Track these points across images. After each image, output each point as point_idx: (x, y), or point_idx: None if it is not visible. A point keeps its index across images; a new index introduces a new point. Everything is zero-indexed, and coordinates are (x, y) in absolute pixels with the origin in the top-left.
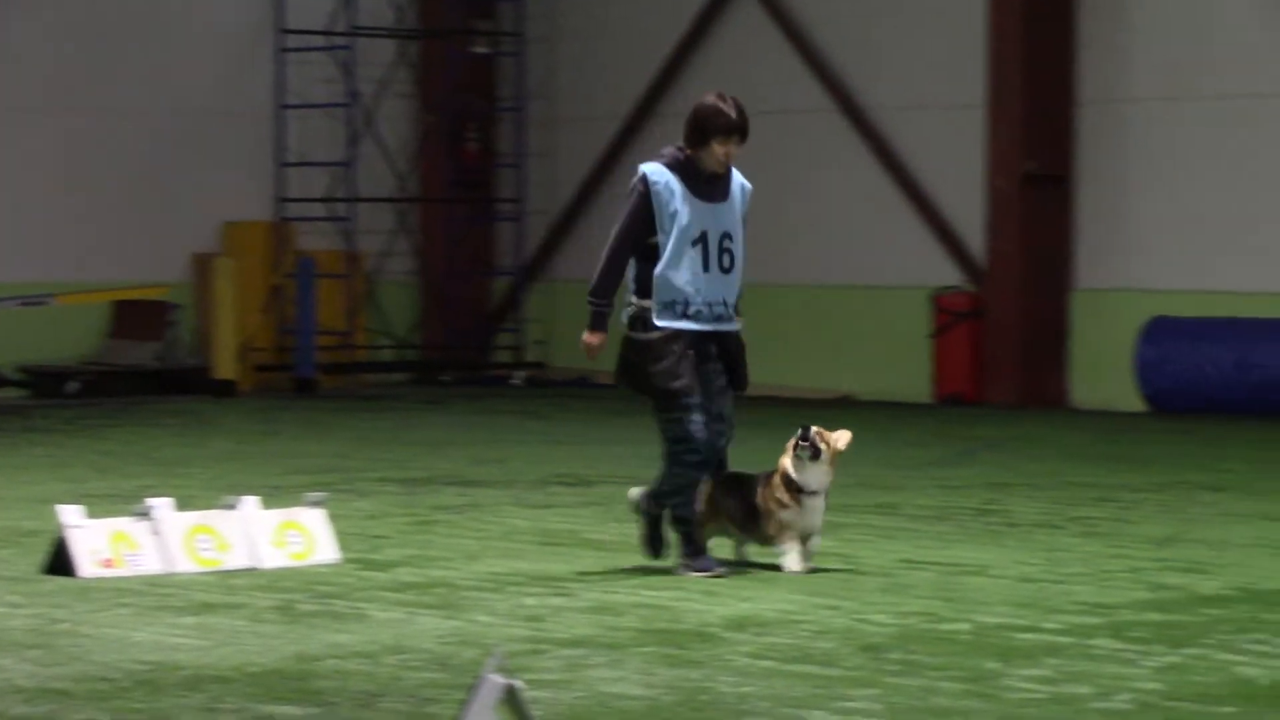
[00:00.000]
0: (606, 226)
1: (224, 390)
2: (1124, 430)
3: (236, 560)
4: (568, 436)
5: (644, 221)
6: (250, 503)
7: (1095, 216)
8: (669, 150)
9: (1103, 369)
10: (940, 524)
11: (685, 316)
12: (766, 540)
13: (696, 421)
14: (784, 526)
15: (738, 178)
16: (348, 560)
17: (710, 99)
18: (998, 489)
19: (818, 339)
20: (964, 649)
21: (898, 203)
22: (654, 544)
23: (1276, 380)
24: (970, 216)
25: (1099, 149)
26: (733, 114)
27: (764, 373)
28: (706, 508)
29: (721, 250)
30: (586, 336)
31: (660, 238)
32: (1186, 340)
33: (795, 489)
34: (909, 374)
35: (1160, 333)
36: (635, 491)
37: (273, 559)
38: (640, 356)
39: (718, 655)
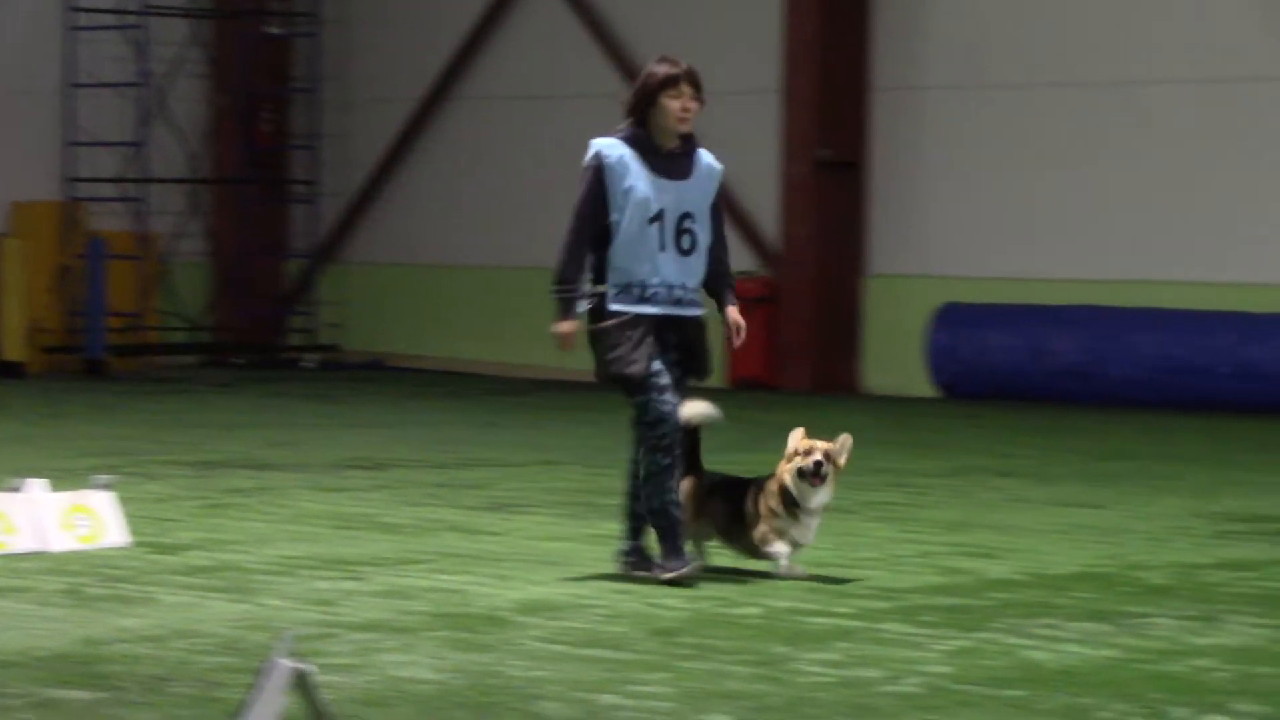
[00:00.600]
0: (402, 209)
1: (12, 372)
2: (916, 416)
3: (23, 544)
4: (361, 420)
5: (599, 200)
6: (37, 485)
7: (888, 203)
8: (624, 127)
9: (895, 355)
10: None
11: (643, 300)
12: (750, 549)
13: (668, 401)
14: (776, 534)
15: (706, 157)
16: (137, 544)
17: (650, 63)
18: None
19: None
20: (755, 633)
21: None
22: (646, 560)
23: (1068, 367)
24: (764, 202)
25: (893, 135)
26: (676, 64)
27: (556, 356)
28: (689, 509)
29: (680, 230)
30: (556, 326)
31: (614, 216)
32: (978, 327)
33: (794, 505)
34: None
35: (952, 319)
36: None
37: (60, 542)
38: (600, 345)
39: (509, 639)
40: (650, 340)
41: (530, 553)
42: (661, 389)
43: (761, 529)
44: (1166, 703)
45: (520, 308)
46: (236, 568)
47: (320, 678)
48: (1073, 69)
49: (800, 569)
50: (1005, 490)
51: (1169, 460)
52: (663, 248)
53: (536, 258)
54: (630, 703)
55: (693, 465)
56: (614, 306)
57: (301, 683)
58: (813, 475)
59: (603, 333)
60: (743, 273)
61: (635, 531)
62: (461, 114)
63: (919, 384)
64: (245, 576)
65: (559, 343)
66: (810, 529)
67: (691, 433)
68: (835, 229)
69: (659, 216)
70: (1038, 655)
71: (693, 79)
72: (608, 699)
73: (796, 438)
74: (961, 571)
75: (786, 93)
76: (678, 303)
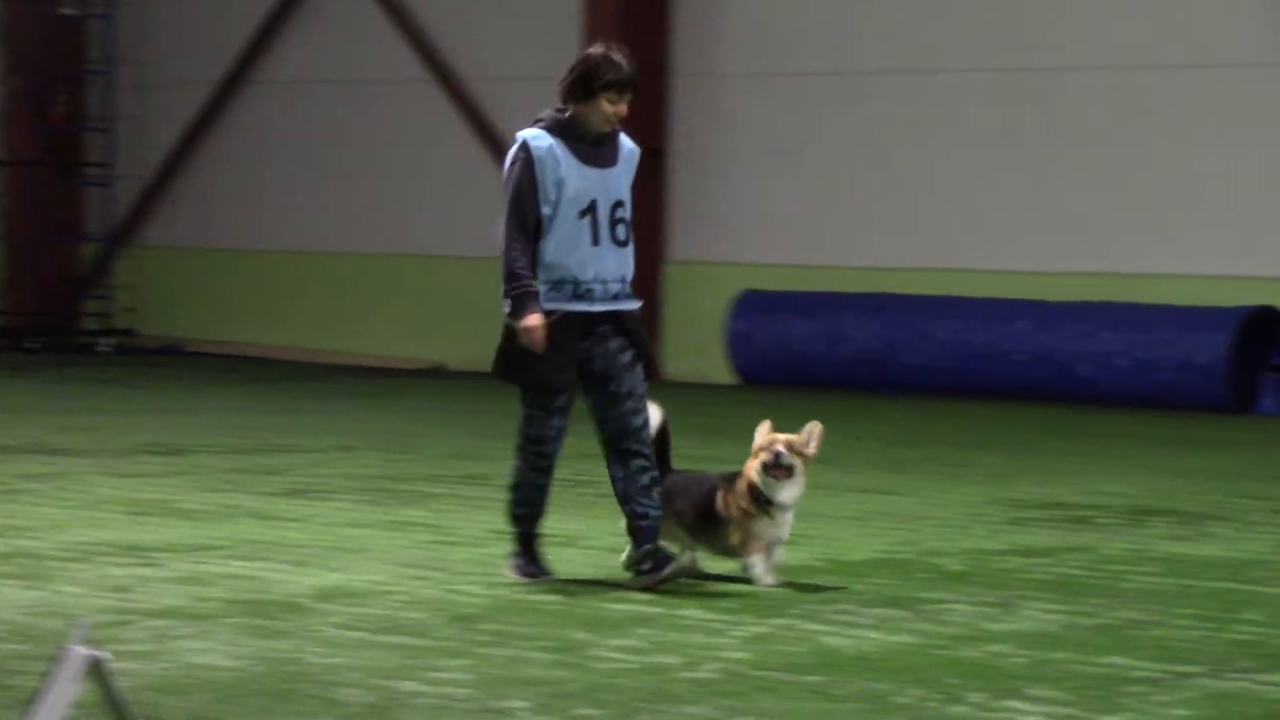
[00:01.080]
0: (199, 192)
1: None
2: (714, 402)
3: None
4: (157, 405)
5: (531, 192)
6: None
7: (688, 190)
8: (548, 113)
9: (694, 341)
10: None
11: (577, 297)
12: (723, 550)
13: (555, 426)
14: (751, 536)
15: (626, 141)
16: None
17: (597, 50)
18: (589, 460)
19: (409, 309)
20: (554, 619)
21: (493, 174)
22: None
23: (865, 354)
24: None
25: (693, 123)
26: (624, 67)
27: (355, 342)
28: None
29: (614, 221)
30: (524, 322)
31: (545, 210)
32: (777, 313)
33: (765, 502)
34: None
35: (751, 306)
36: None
37: None
38: (515, 344)
39: (307, 626)
40: (572, 350)
41: (329, 539)
42: (561, 411)
43: (738, 536)
44: (962, 688)
45: (317, 293)
46: (30, 554)
47: (115, 665)
48: (871, 58)
49: (773, 579)
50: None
51: (964, 447)
52: (596, 241)
53: (334, 244)
54: (429, 689)
55: (662, 466)
56: (548, 305)
57: (96, 670)
58: (775, 468)
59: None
60: None
61: (523, 539)
62: (260, 98)
63: (718, 370)
64: (39, 563)
65: (531, 338)
66: (786, 525)
67: (661, 433)
68: (636, 215)
69: (591, 209)
70: (835, 641)
71: (636, 87)
72: (407, 685)
73: (762, 432)
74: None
75: None
76: (615, 298)
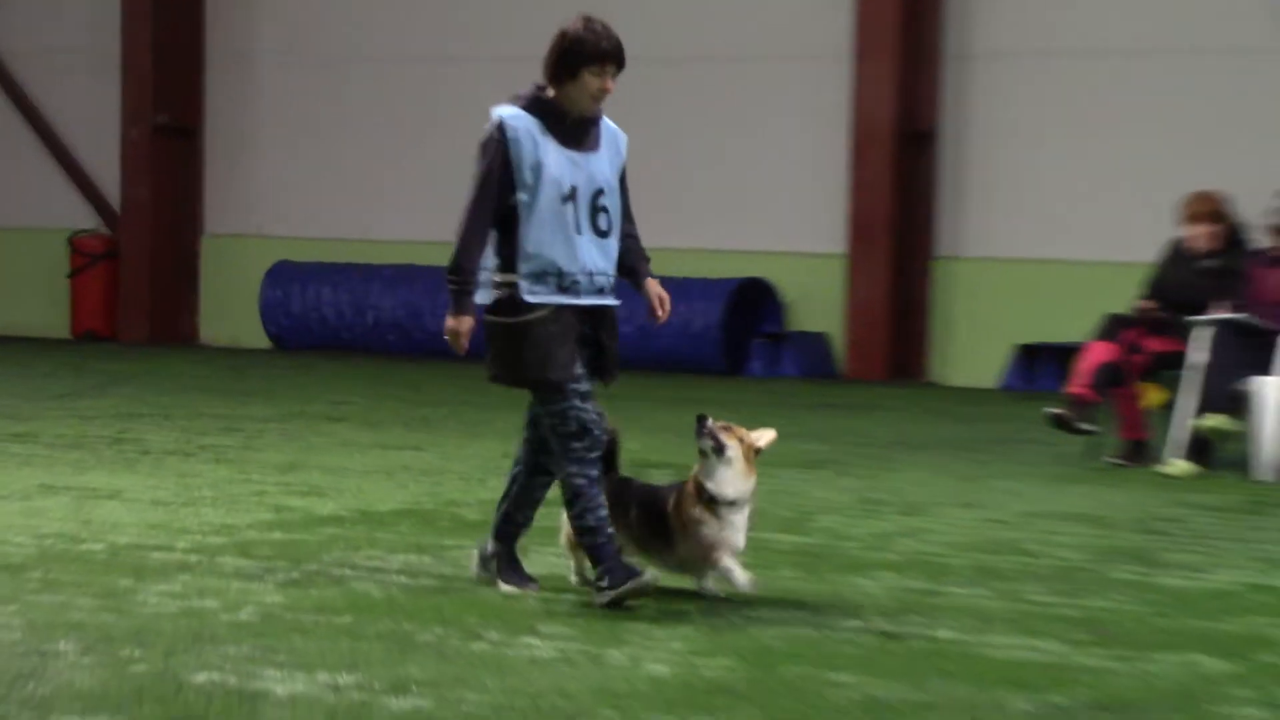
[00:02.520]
0: None
1: None
2: (250, 366)
3: None
4: None
5: (503, 178)
6: None
7: (223, 167)
8: (528, 90)
9: (230, 309)
10: (76, 452)
11: (562, 290)
12: (677, 565)
13: (588, 409)
14: (709, 545)
15: (609, 125)
16: None
17: (577, 23)
18: (131, 419)
19: None
20: (100, 568)
21: (36, 148)
22: (522, 574)
23: (389, 321)
24: (107, 164)
25: (226, 102)
26: (606, 38)
27: None
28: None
29: (596, 209)
30: (450, 323)
31: (522, 196)
32: (307, 283)
33: (710, 500)
34: (48, 312)
35: (282, 276)
36: (475, 552)
37: None
38: (511, 343)
39: None
40: (573, 339)
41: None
42: (584, 395)
43: (692, 545)
44: (482, 626)
45: None
46: None
47: None
48: (390, 45)
49: (749, 580)
50: (333, 434)
51: (480, 407)
52: (579, 230)
53: None
54: None
55: (609, 471)
56: (531, 298)
57: None
58: (701, 433)
59: (520, 328)
60: (85, 231)
61: (502, 533)
62: None
63: (253, 336)
64: None
65: (454, 340)
66: (739, 529)
67: (610, 441)
68: (172, 191)
69: (572, 195)
70: (364, 585)
71: (620, 61)
72: None
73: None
74: (293, 509)
75: (124, 59)
76: (600, 291)
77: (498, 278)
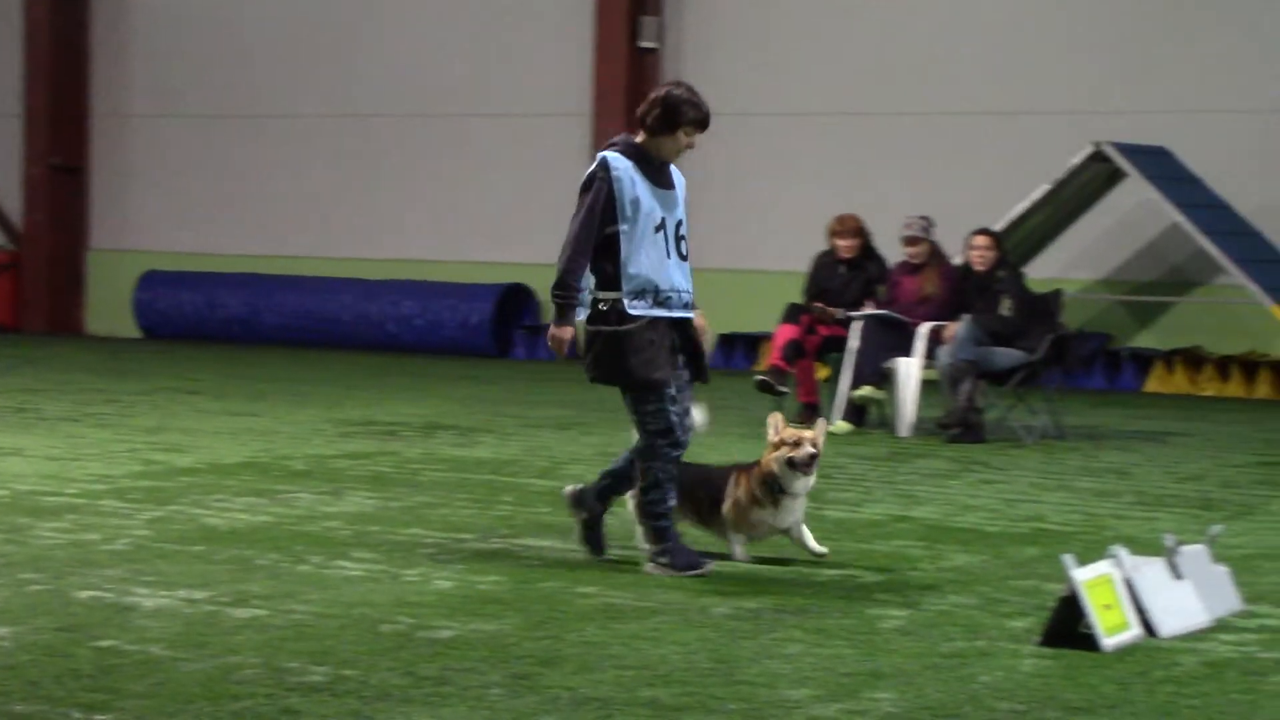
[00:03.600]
0: None
1: None
2: (126, 352)
3: None
4: None
5: (605, 210)
6: None
7: (104, 197)
8: (620, 138)
9: (111, 307)
10: None
11: (658, 304)
12: (722, 531)
13: (675, 412)
14: (748, 524)
15: (675, 170)
16: None
17: (680, 89)
18: (31, 393)
19: None
20: (4, 509)
21: None
22: (596, 543)
23: (236, 316)
24: (12, 195)
25: (107, 147)
26: (702, 107)
27: None
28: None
29: (679, 237)
30: (555, 330)
31: (622, 226)
32: (171, 287)
33: (779, 492)
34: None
35: (151, 282)
36: (570, 489)
37: None
38: (618, 348)
39: None
40: (668, 346)
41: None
42: (674, 399)
43: (732, 515)
44: (306, 553)
45: None
46: None
47: None
48: (249, 103)
49: (744, 556)
50: (190, 404)
51: (307, 383)
52: (668, 255)
53: None
54: None
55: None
56: (633, 311)
57: None
58: (806, 465)
59: (624, 335)
60: None
61: (664, 533)
62: None
63: (128, 328)
64: None
65: (558, 346)
66: (793, 510)
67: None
68: (65, 216)
69: (662, 225)
70: (214, 521)
71: (707, 123)
72: None
73: (778, 425)
74: (158, 462)
75: (26, 112)
76: (686, 307)
77: (601, 295)
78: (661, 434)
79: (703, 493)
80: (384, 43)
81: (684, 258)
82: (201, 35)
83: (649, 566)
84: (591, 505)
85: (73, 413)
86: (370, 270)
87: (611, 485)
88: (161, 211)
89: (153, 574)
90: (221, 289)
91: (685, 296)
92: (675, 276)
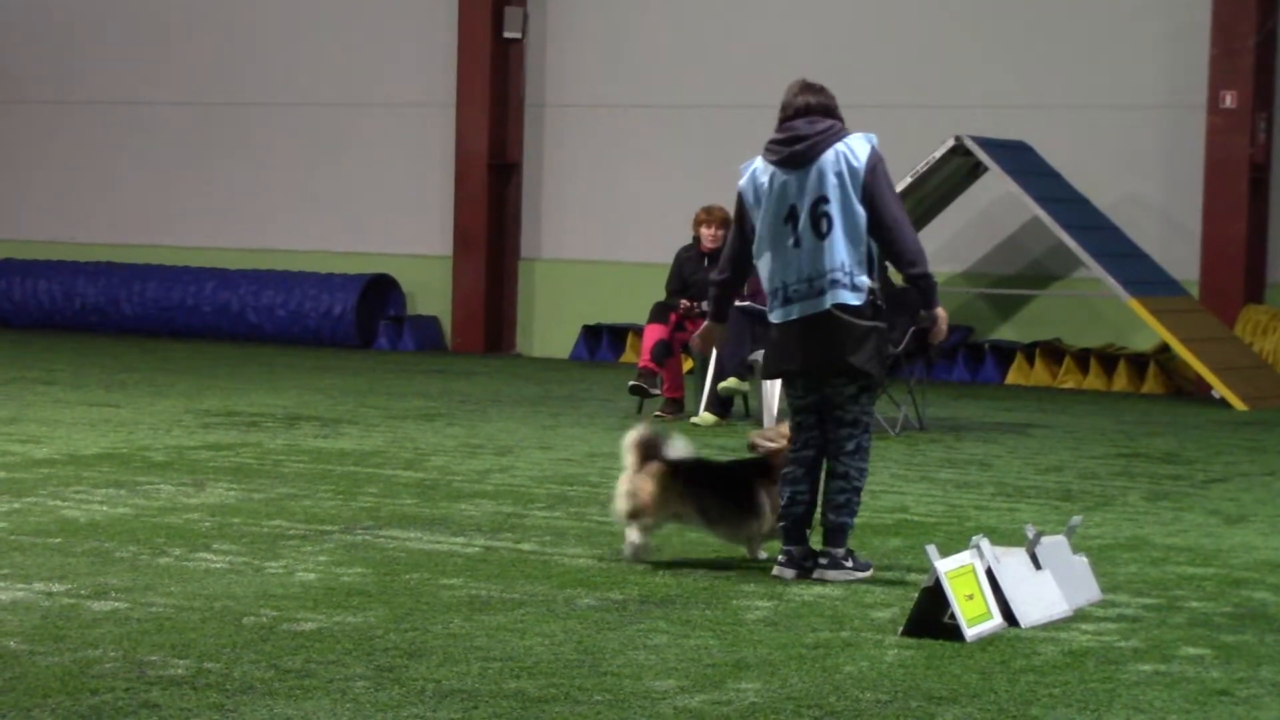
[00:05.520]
0: None
1: None
2: None
3: None
4: None
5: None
6: None
7: None
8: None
9: None
10: None
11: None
12: (736, 538)
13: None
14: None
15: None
16: None
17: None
18: None
19: None
20: None
21: None
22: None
23: (94, 306)
24: None
25: None
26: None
27: None
28: (659, 498)
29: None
30: (937, 310)
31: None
32: (27, 276)
33: None
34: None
35: (6, 270)
36: (785, 571)
37: None
38: (884, 343)
39: None
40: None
41: None
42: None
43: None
44: (167, 544)
45: None
46: None
47: None
48: (106, 90)
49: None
50: (47, 395)
51: (167, 373)
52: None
53: None
54: None
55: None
56: (773, 317)
57: None
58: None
59: (885, 330)
60: None
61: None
62: None
63: None
64: None
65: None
66: None
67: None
68: None
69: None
70: (72, 513)
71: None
72: None
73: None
74: (15, 454)
75: None
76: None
77: (869, 284)
78: (868, 430)
79: (707, 492)
80: (251, 29)
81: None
82: (51, 21)
83: (831, 574)
84: (802, 560)
85: None
86: (231, 260)
87: (806, 514)
88: (16, 201)
89: (8, 567)
90: (79, 278)
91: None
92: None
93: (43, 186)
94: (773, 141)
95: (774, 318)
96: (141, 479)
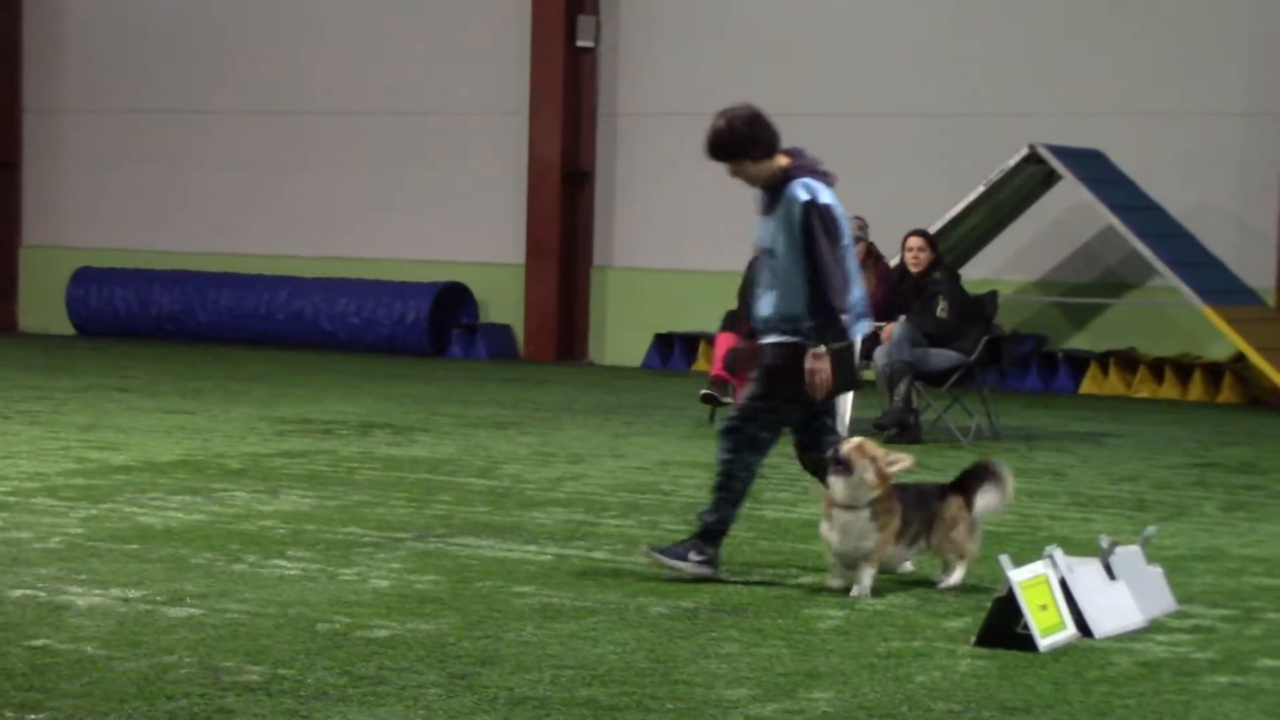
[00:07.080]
0: None
1: None
2: (58, 349)
3: None
4: None
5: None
6: None
7: (37, 194)
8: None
9: (44, 304)
10: None
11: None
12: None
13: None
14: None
15: (791, 191)
16: None
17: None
18: None
19: None
20: None
21: None
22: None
23: (169, 313)
24: None
25: (40, 144)
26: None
27: None
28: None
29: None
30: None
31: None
32: (104, 284)
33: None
34: None
35: (84, 278)
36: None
37: None
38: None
39: None
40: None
41: None
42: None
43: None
44: (242, 551)
45: None
46: None
47: None
48: (180, 100)
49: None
50: (123, 402)
51: (242, 380)
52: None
53: None
54: None
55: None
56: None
57: None
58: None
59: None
60: None
61: None
62: None
63: (61, 325)
64: None
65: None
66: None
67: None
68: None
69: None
70: (149, 520)
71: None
72: None
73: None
74: (92, 460)
75: None
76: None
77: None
78: None
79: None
80: (326, 40)
81: (765, 287)
82: (127, 30)
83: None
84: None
85: (4, 410)
86: (305, 268)
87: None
88: (95, 208)
89: (86, 573)
90: (155, 286)
91: (760, 325)
92: (759, 305)
93: (118, 195)
94: (827, 171)
95: (854, 333)
96: (216, 486)
